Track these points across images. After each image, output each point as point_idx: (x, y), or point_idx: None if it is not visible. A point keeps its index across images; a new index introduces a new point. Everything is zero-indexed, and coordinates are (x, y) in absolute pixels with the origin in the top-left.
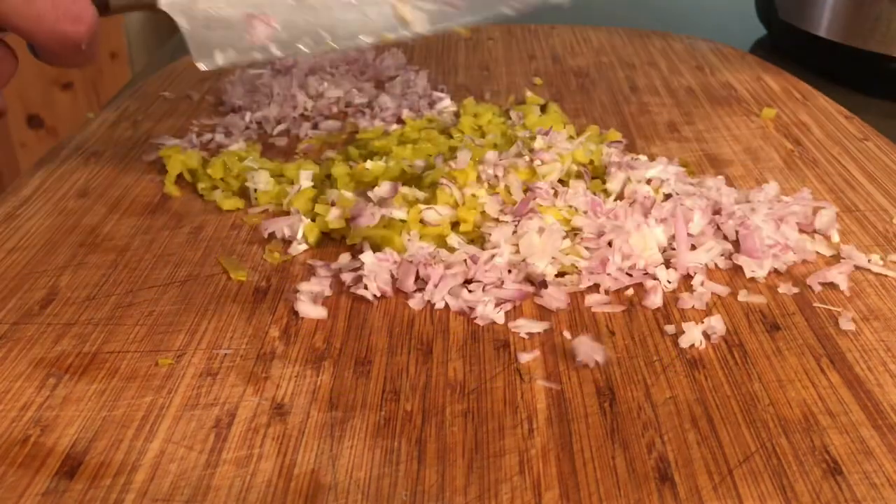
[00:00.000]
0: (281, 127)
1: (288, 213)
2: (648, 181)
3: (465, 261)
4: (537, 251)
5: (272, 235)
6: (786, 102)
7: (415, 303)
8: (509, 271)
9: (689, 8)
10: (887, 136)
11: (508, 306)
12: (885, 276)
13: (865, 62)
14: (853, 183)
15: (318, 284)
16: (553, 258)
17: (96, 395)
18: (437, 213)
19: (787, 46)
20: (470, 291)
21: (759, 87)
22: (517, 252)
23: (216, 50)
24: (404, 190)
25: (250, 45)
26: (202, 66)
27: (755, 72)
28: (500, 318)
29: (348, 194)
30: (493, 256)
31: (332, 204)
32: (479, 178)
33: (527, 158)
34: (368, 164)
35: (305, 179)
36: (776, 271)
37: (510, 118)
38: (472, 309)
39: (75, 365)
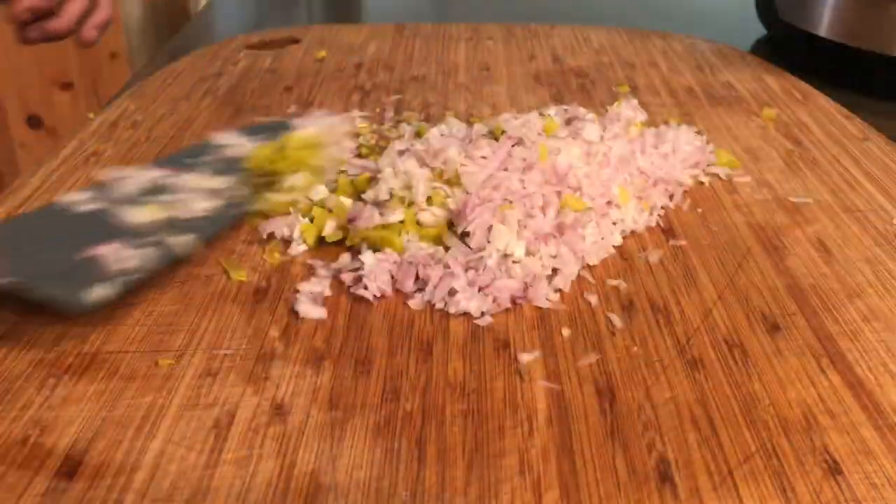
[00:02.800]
0: None
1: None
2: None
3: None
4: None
5: (272, 235)
6: (786, 102)
7: (415, 303)
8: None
9: (689, 8)
10: (887, 136)
11: (507, 305)
12: (885, 276)
13: (865, 62)
14: (853, 183)
15: (318, 284)
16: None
17: (96, 396)
18: (433, 215)
19: (787, 46)
20: (469, 292)
21: (759, 87)
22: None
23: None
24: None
25: (109, 273)
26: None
27: (755, 72)
28: (494, 318)
29: (346, 200)
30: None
31: (330, 211)
32: None
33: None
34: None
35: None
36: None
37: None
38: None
39: (75, 365)
